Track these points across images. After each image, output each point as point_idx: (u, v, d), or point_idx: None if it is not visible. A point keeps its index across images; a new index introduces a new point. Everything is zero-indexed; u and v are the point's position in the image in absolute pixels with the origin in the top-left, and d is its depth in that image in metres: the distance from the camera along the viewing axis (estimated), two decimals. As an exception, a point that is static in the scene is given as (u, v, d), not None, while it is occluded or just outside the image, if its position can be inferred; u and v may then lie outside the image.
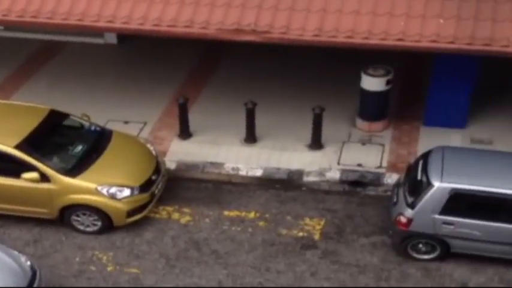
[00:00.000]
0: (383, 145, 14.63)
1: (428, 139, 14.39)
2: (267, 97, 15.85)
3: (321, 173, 13.93)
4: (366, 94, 14.85)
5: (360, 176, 13.82)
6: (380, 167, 14.01)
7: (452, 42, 12.31)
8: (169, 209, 13.41)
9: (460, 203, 11.50)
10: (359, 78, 14.76)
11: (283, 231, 12.82)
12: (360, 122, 15.16)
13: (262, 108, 14.83)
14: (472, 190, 11.42)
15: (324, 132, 14.47)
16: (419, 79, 16.31)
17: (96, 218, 12.65)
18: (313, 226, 12.93)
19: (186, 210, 13.37)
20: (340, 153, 14.42)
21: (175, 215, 13.27)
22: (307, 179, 13.89)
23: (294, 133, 14.92)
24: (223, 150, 14.59)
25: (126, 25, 13.29)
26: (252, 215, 13.24)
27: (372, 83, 14.66)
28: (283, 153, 14.46)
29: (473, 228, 11.55)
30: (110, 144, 13.39)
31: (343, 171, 13.92)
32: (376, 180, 13.73)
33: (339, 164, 14.14)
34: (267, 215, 13.21)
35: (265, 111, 15.16)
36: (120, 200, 12.53)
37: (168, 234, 12.81)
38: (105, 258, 12.35)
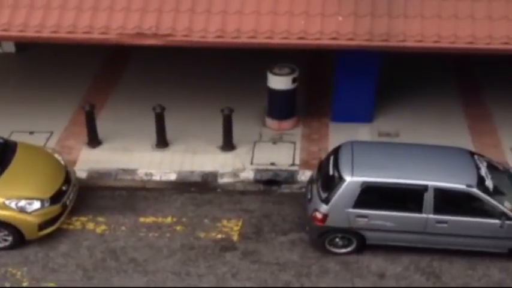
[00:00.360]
0: (294, 143, 14.80)
1: (338, 135, 14.65)
2: (176, 100, 15.77)
3: (235, 174, 13.97)
4: (273, 93, 14.99)
5: (273, 175, 13.92)
6: (293, 164, 14.16)
7: (352, 39, 12.60)
8: (83, 219, 13.12)
9: (371, 196, 11.79)
10: (266, 78, 14.89)
11: (202, 235, 12.78)
12: (269, 121, 15.28)
13: (171, 111, 14.78)
14: (383, 182, 11.74)
15: (234, 132, 14.52)
16: (325, 76, 16.58)
17: (6, 233, 12.21)
18: (231, 227, 12.95)
19: (100, 219, 13.12)
20: (253, 153, 14.49)
21: (90, 225, 13.00)
22: (221, 180, 13.90)
23: (205, 135, 14.89)
24: (135, 156, 14.40)
25: (22, 33, 12.91)
26: (168, 220, 13.12)
27: (278, 82, 14.80)
28: (196, 156, 14.41)
29: (386, 219, 11.86)
30: (15, 156, 12.93)
31: (257, 171, 13.99)
32: (290, 178, 13.88)
33: (252, 164, 14.21)
34: (184, 219, 13.12)
35: (175, 115, 15.11)
36: (30, 213, 12.15)
37: (83, 245, 12.53)
38: (19, 273, 11.95)
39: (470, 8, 12.63)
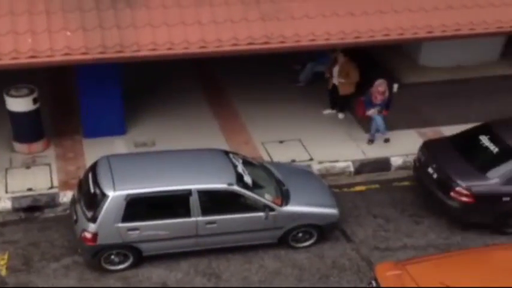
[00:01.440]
0: (49, 164, 14.26)
1: (94, 150, 14.28)
2: None
3: (-9, 205, 13.13)
4: (15, 116, 14.32)
5: (33, 201, 13.27)
6: (52, 187, 13.63)
7: (85, 53, 12.37)
8: None
9: (139, 207, 11.72)
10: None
11: (-36, 276, 11.84)
12: (18, 146, 14.54)
13: None
14: (147, 192, 11.72)
15: (-19, 162, 13.65)
16: (71, 93, 16.06)
17: None
18: (-3, 262, 12.21)
19: None
20: (6, 181, 13.68)
21: None
22: (-24, 214, 12.99)
23: None
24: None
25: None
26: None
27: (18, 104, 14.17)
28: None
29: (157, 228, 11.87)
30: None
31: (14, 199, 13.22)
32: (51, 201, 13.34)
33: (7, 192, 13.40)
34: None
35: None
36: None
37: None
38: None
39: (196, 14, 13.00)
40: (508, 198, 13.00)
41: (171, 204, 11.93)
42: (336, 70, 16.01)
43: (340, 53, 15.77)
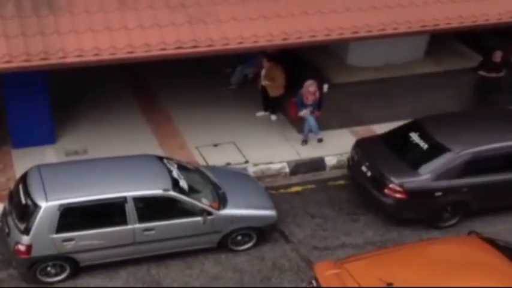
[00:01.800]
0: (-23, 177, 13.87)
1: (24, 161, 13.96)
2: None
3: None
4: None
5: (-38, 215, 12.82)
6: (-19, 200, 13.22)
7: (9, 61, 12.09)
8: None
9: (73, 217, 11.53)
10: None
11: None
12: None
13: None
14: (81, 202, 11.53)
15: None
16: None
17: None
18: None
19: None
20: None
21: None
22: None
23: None
24: None
25: None
26: None
27: None
28: None
29: (93, 238, 11.68)
30: None
31: None
32: (-19, 214, 12.90)
33: None
34: None
35: None
36: None
37: None
38: None
39: (122, 18, 12.85)
40: (440, 193, 13.33)
41: (106, 213, 11.75)
42: (262, 73, 16.15)
43: (264, 58, 15.92)
